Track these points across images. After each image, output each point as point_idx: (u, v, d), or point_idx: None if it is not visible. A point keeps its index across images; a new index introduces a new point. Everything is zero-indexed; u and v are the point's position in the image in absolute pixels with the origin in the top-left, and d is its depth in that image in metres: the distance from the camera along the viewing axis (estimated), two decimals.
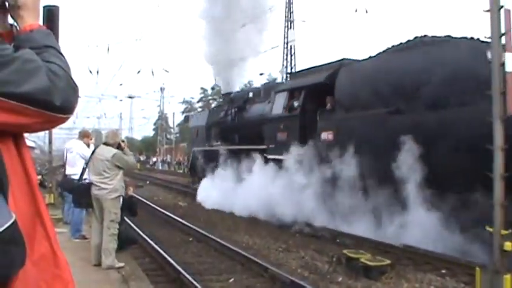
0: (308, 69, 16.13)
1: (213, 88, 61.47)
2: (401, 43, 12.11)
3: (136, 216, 9.92)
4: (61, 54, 1.52)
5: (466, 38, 11.04)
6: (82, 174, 8.33)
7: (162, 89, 65.02)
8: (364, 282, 8.24)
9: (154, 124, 78.93)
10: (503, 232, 6.36)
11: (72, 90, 1.47)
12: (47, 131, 15.37)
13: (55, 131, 18.95)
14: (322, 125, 13.16)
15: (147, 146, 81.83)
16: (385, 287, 8.14)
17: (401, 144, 9.94)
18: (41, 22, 1.60)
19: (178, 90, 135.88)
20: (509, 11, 6.57)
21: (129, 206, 8.75)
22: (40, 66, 1.39)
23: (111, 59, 70.86)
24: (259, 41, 25.28)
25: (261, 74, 35.72)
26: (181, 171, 47.90)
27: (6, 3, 1.53)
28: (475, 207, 8.42)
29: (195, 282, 7.63)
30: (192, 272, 8.49)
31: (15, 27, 1.56)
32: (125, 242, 8.49)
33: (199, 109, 64.91)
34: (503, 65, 6.47)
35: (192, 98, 74.86)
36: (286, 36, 37.08)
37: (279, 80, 37.34)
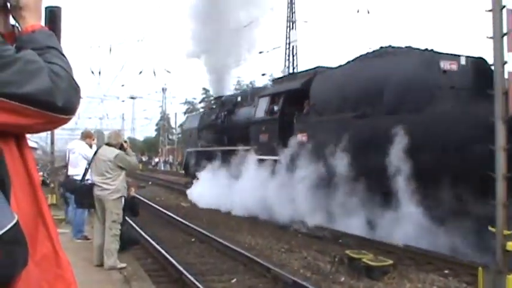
0: (288, 75, 18.03)
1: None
2: (368, 52, 13.12)
3: (138, 217, 9.92)
4: (63, 55, 1.52)
5: (426, 49, 11.89)
6: (84, 174, 8.36)
7: (164, 90, 65.06)
8: (367, 283, 8.24)
9: (157, 125, 78.90)
10: (506, 232, 6.35)
11: (74, 91, 1.47)
12: (49, 132, 15.41)
13: (57, 131, 19.01)
14: (298, 127, 14.23)
15: (149, 147, 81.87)
16: (388, 287, 8.13)
17: (365, 146, 11.06)
18: (42, 23, 1.60)
19: (180, 91, 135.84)
20: (511, 10, 6.56)
21: (131, 207, 8.75)
22: (42, 67, 1.39)
23: (113, 60, 71.09)
24: (242, 52, 26.43)
25: (263, 75, 35.76)
26: (183, 171, 47.90)
27: (8, 4, 1.53)
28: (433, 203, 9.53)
29: (197, 283, 7.63)
30: (194, 273, 8.49)
31: (17, 28, 1.56)
32: (127, 242, 8.49)
33: (201, 109, 64.93)
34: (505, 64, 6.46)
35: (194, 98, 74.79)
36: (288, 36, 37.08)
37: None
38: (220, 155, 18.89)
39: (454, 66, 11.20)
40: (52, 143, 16.93)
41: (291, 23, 36.79)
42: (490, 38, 6.62)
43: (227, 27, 24.19)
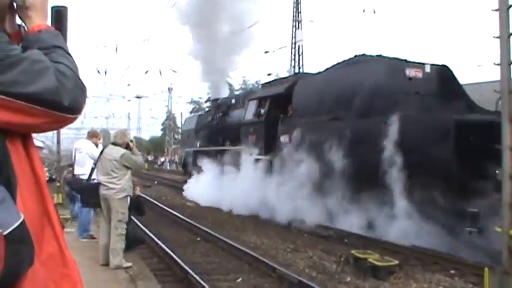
0: (274, 80, 20.00)
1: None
2: (344, 60, 14.39)
3: (143, 216, 9.94)
4: (69, 54, 1.53)
5: (395, 58, 13.21)
6: (91, 174, 8.36)
7: (170, 89, 65.10)
8: (372, 283, 8.23)
9: (162, 124, 78.96)
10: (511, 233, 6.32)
11: (80, 90, 1.47)
12: (55, 131, 15.45)
13: (63, 131, 19.07)
14: (281, 129, 15.37)
15: (155, 146, 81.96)
16: (393, 287, 8.12)
17: (337, 146, 11.98)
18: (49, 23, 1.61)
19: (186, 90, 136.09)
20: None
21: (137, 206, 8.76)
22: (48, 67, 1.39)
23: (119, 60, 71.11)
24: (237, 56, 26.77)
25: (269, 74, 35.52)
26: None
27: (15, 4, 1.53)
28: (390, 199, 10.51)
29: (202, 282, 7.64)
30: (200, 272, 8.50)
31: (23, 27, 1.56)
32: (133, 241, 8.50)
33: (207, 109, 64.91)
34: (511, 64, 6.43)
35: (200, 98, 74.73)
36: (294, 36, 37.01)
37: None
38: (215, 154, 20.12)
39: (419, 74, 12.17)
40: (58, 142, 16.98)
41: (297, 23, 36.74)
42: (497, 37, 6.60)
43: (219, 30, 25.03)
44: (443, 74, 12.39)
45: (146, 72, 41.38)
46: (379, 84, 11.79)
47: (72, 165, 10.93)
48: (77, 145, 10.85)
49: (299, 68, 36.60)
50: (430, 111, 10.79)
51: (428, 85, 11.89)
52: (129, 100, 65.60)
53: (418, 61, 12.69)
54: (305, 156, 13.15)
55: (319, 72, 15.38)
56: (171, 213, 16.41)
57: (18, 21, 1.57)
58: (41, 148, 33.19)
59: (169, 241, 11.36)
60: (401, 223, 10.43)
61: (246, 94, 21.14)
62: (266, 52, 32.61)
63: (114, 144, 8.17)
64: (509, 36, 6.46)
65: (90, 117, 59.63)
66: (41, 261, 1.36)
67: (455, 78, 12.58)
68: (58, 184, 15.74)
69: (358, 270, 8.79)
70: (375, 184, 10.85)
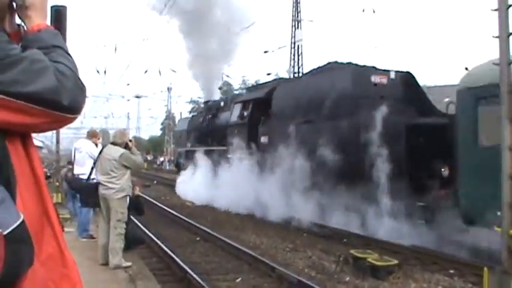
0: (257, 85, 22.54)
1: (220, 88, 61.43)
2: (318, 67, 16.05)
3: (143, 216, 9.93)
4: (69, 54, 1.52)
5: (364, 66, 14.59)
6: (90, 174, 8.35)
7: (169, 89, 65.03)
8: (372, 282, 8.23)
9: (162, 124, 78.95)
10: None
11: (79, 90, 1.47)
12: (54, 131, 15.43)
13: (62, 130, 19.05)
14: (262, 131, 16.76)
15: (155, 146, 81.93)
16: (393, 287, 8.13)
17: (309, 146, 13.14)
18: (48, 22, 1.60)
19: (186, 90, 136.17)
20: None
21: (136, 206, 8.75)
22: (48, 66, 1.39)
23: (119, 59, 70.95)
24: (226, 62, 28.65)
25: (269, 74, 35.56)
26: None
27: (14, 4, 1.53)
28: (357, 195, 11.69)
29: (202, 282, 7.64)
30: (199, 272, 8.50)
31: (23, 27, 1.56)
32: (132, 241, 8.49)
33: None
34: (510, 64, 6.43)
35: (200, 97, 74.76)
36: (293, 36, 37.04)
37: None
38: (203, 154, 21.26)
39: (384, 80, 13.23)
40: (57, 142, 16.97)
41: (297, 22, 36.77)
42: (496, 37, 6.59)
43: (210, 35, 26.16)
44: (407, 80, 13.50)
45: (145, 71, 41.49)
46: (346, 89, 12.97)
47: (71, 163, 10.92)
48: (76, 145, 10.84)
49: (298, 67, 36.63)
50: (393, 114, 11.64)
51: (392, 90, 12.88)
52: (128, 100, 65.73)
53: (384, 68, 13.89)
54: (280, 156, 14.21)
55: (296, 78, 17.44)
56: (170, 212, 16.43)
57: (17, 20, 1.56)
58: (40, 148, 33.18)
59: (168, 241, 11.37)
60: (362, 216, 11.92)
61: (234, 97, 22.34)
62: (266, 52, 32.67)
63: (113, 143, 8.16)
64: (509, 36, 6.46)
65: (89, 117, 59.62)
66: (41, 262, 1.36)
67: (417, 84, 13.91)
68: (57, 183, 15.72)
69: (357, 270, 8.79)
70: (339, 180, 12.14)
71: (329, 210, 12.84)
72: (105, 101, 58.63)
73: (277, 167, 14.36)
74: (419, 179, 10.80)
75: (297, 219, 13.60)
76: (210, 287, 7.67)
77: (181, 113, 69.14)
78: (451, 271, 8.89)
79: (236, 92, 26.41)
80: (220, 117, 21.23)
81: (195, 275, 7.97)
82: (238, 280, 8.43)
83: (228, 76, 40.71)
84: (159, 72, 54.78)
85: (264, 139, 16.39)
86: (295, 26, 36.87)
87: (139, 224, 11.38)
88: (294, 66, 36.88)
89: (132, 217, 8.74)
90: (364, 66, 14.45)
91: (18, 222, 1.24)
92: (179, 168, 26.52)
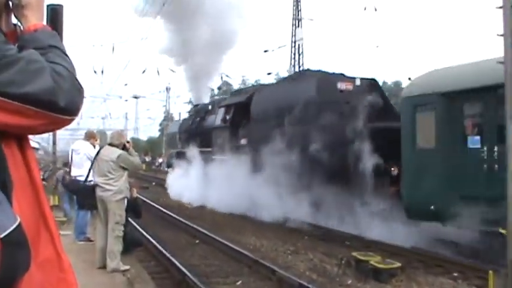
0: (240, 89, 25.59)
1: (219, 88, 61.37)
2: (294, 73, 19.12)
3: (140, 218, 9.93)
4: (66, 54, 1.52)
5: (333, 73, 16.16)
6: (88, 175, 8.34)
7: (167, 89, 65.02)
8: (374, 285, 8.23)
9: (160, 125, 78.95)
10: None
11: (77, 91, 1.46)
12: (51, 132, 15.44)
13: (59, 131, 19.02)
14: (242, 133, 18.11)
15: (153, 147, 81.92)
16: None
17: (280, 148, 14.05)
18: (44, 21, 1.60)
19: (185, 90, 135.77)
20: None
21: (134, 208, 8.76)
22: (44, 67, 1.39)
23: (116, 59, 70.67)
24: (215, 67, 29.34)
25: (269, 74, 35.56)
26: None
27: (10, 3, 1.53)
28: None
29: (201, 285, 7.64)
30: (198, 275, 8.50)
31: (19, 27, 1.56)
32: (130, 244, 8.50)
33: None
34: None
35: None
36: (294, 34, 37.01)
37: None
38: (192, 155, 22.51)
39: (350, 87, 14.50)
40: (54, 143, 16.99)
41: (297, 21, 36.74)
42: (501, 35, 6.60)
43: (198, 37, 26.68)
44: (372, 86, 14.74)
45: (144, 71, 41.30)
46: (313, 96, 14.23)
47: (67, 165, 10.90)
48: (74, 146, 10.82)
49: (299, 67, 36.58)
50: (357, 118, 12.77)
51: (358, 96, 13.76)
52: (126, 100, 65.52)
53: (351, 76, 15.32)
54: (255, 158, 15.61)
55: (273, 84, 19.51)
56: (168, 214, 16.43)
57: (14, 20, 1.56)
58: (36, 149, 33.17)
59: (167, 243, 11.36)
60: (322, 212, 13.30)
61: (220, 101, 23.54)
62: (266, 51, 32.71)
63: (110, 145, 8.17)
64: None
65: (86, 117, 59.56)
66: (38, 265, 1.36)
67: (381, 90, 15.26)
68: (53, 185, 15.71)
69: (360, 273, 8.79)
70: (304, 180, 13.40)
71: (297, 206, 13.93)
72: (103, 102, 58.62)
73: (254, 169, 15.59)
74: (375, 177, 12.22)
75: (259, 214, 15.15)
76: None
77: (180, 113, 69.09)
78: (455, 274, 8.89)
79: (221, 97, 27.72)
80: (208, 120, 22.56)
81: (194, 278, 7.96)
82: (238, 283, 8.42)
83: (227, 76, 40.70)
84: (158, 72, 54.60)
85: (243, 141, 17.78)
86: (295, 24, 36.85)
87: (137, 227, 11.39)
88: (294, 66, 36.86)
89: (130, 219, 8.74)
90: (332, 73, 16.01)
91: (14, 225, 1.24)
92: (172, 169, 28.10)
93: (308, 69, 17.05)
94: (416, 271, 9.09)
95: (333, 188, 12.34)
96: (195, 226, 13.55)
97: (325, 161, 12.54)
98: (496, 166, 9.27)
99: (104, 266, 7.89)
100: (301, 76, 16.81)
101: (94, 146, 10.24)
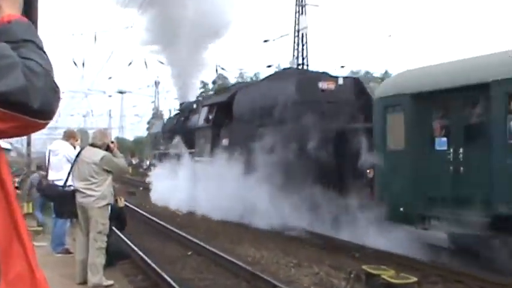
0: (224, 88, 26.14)
1: (214, 82, 61.38)
2: (276, 72, 20.10)
3: (124, 229, 9.93)
4: (42, 50, 1.51)
5: (315, 71, 17.90)
6: (67, 179, 8.29)
7: (156, 83, 65.15)
8: None
9: (148, 123, 78.99)
10: None
11: (52, 91, 1.45)
12: None
13: None
14: (223, 133, 19.16)
15: (140, 148, 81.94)
16: None
17: (261, 148, 14.96)
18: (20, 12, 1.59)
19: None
20: None
21: (118, 216, 8.75)
22: (15, 63, 1.38)
23: (99, 49, 70.57)
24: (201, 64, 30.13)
25: (269, 66, 35.51)
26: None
27: None
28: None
29: None
30: None
31: None
32: (115, 256, 8.50)
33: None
34: None
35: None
36: (297, 23, 36.78)
37: None
38: (174, 156, 23.82)
39: (332, 86, 15.41)
40: (28, 144, 16.99)
41: (301, 8, 36.52)
42: None
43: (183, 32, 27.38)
44: (355, 85, 15.85)
45: (129, 64, 41.14)
46: (293, 95, 15.04)
47: (41, 168, 10.88)
48: (52, 147, 10.77)
49: (303, 58, 36.52)
50: (339, 118, 13.94)
51: (340, 95, 14.95)
52: (110, 96, 65.52)
53: (333, 75, 16.70)
54: (237, 158, 16.44)
55: (256, 82, 20.94)
56: (158, 223, 16.44)
57: None
58: (8, 150, 33.09)
59: (155, 255, 11.36)
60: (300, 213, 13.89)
61: (204, 100, 24.99)
62: (266, 41, 32.73)
63: (92, 145, 8.15)
64: None
65: (65, 115, 59.70)
66: (7, 282, 1.35)
67: (364, 89, 16.04)
68: (27, 191, 15.71)
69: None
70: (287, 179, 14.30)
71: (277, 207, 14.58)
72: (84, 97, 58.64)
73: (236, 171, 16.28)
74: (347, 180, 13.24)
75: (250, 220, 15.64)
76: None
77: (170, 110, 69.14)
78: None
79: (207, 94, 28.72)
80: (192, 120, 23.55)
81: None
82: None
83: (223, 69, 40.71)
84: (145, 64, 54.66)
85: (225, 141, 18.74)
86: (299, 11, 36.65)
87: (122, 237, 11.39)
88: (297, 57, 36.73)
89: (114, 228, 8.74)
90: (314, 72, 17.68)
91: None
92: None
93: (290, 68, 18.76)
94: (434, 286, 9.11)
95: (315, 191, 13.21)
96: (187, 236, 13.56)
97: (304, 162, 13.64)
98: (462, 168, 10.24)
99: (84, 281, 7.88)
100: (281, 75, 18.16)
101: (74, 147, 10.21)
